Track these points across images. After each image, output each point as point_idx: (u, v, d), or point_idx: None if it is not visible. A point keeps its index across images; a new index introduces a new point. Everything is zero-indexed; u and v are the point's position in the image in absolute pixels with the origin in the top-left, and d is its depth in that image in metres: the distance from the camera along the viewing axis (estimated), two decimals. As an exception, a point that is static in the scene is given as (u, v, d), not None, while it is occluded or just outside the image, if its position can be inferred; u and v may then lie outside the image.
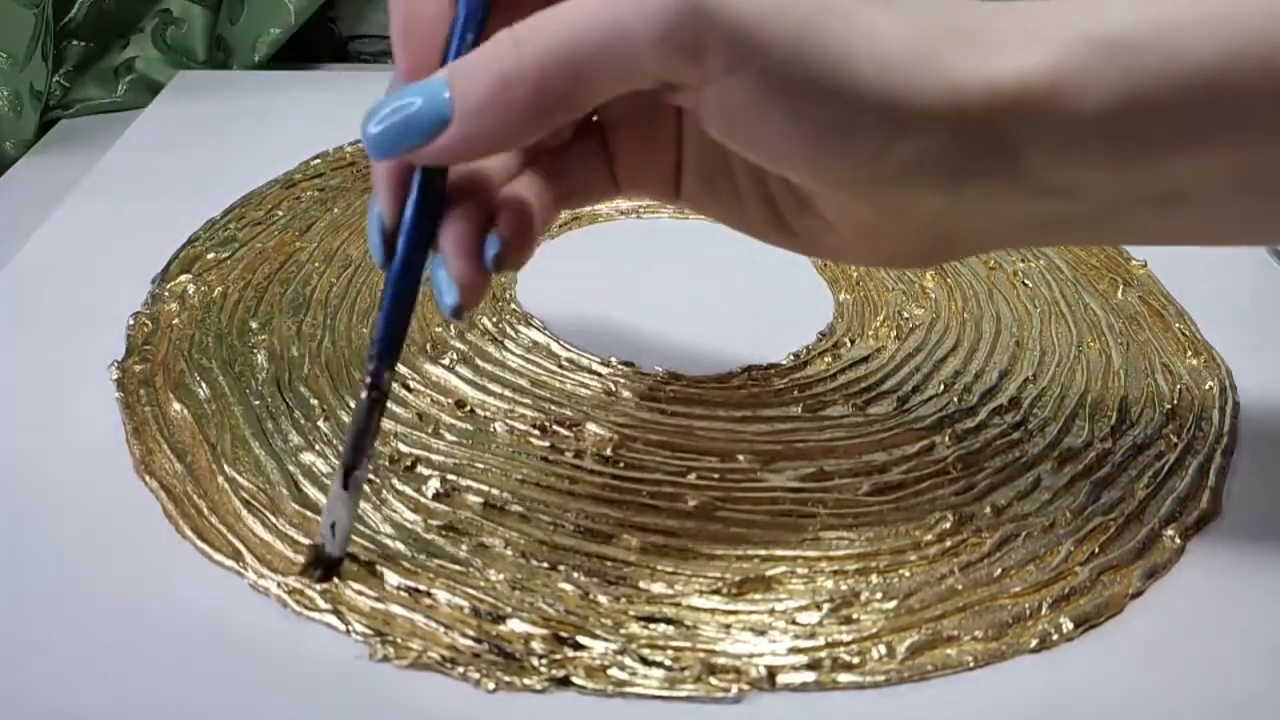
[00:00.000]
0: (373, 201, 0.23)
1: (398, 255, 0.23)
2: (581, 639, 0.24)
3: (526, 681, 0.23)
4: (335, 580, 0.25)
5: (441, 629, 0.24)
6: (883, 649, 0.24)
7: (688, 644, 0.24)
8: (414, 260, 0.23)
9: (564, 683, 0.23)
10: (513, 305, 0.36)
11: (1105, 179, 0.22)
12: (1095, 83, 0.20)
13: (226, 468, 0.28)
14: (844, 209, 0.23)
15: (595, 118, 0.26)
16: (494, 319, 0.35)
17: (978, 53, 0.20)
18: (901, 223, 0.23)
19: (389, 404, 0.30)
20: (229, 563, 0.25)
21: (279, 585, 0.25)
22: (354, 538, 0.26)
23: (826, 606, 0.25)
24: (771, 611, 0.25)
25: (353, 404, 0.30)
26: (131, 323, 0.33)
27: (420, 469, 0.28)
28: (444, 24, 0.22)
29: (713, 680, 0.23)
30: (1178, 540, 0.27)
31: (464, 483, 0.28)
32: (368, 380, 0.23)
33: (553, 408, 0.31)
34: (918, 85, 0.20)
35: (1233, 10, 0.20)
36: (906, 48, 0.20)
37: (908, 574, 0.26)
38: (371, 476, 0.28)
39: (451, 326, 0.34)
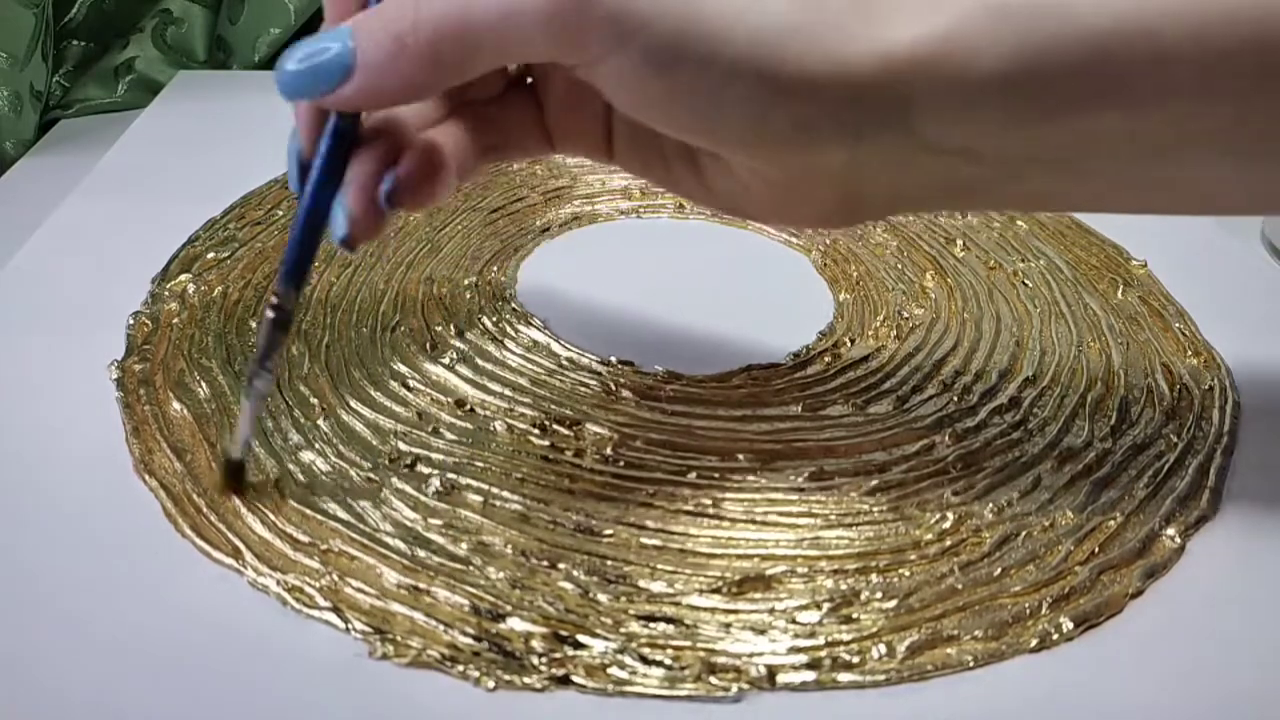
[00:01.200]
0: (292, 134, 0.25)
1: (309, 185, 0.24)
2: (581, 638, 0.24)
3: (526, 680, 0.23)
4: (239, 491, 0.27)
5: (441, 627, 0.24)
6: (883, 648, 0.24)
7: (688, 643, 0.24)
8: (323, 193, 0.24)
9: (564, 681, 0.23)
10: (513, 305, 0.36)
11: (1001, 141, 0.22)
12: (989, 46, 0.21)
13: (226, 467, 0.28)
14: (753, 170, 0.24)
15: (528, 76, 0.28)
16: (494, 319, 0.35)
17: (871, 19, 0.21)
18: (808, 182, 0.24)
19: (390, 404, 0.31)
20: (228, 561, 0.25)
21: (278, 583, 0.25)
22: (346, 530, 0.26)
23: (826, 606, 0.25)
24: (771, 611, 0.25)
25: (354, 403, 0.30)
26: (131, 322, 0.33)
27: (420, 468, 0.28)
28: None
29: (713, 679, 0.23)
30: (1178, 540, 0.27)
31: (464, 481, 0.28)
32: (272, 300, 0.25)
33: (553, 407, 0.31)
34: (798, 53, 0.21)
35: None
36: (785, 17, 0.21)
37: (908, 574, 0.26)
38: (372, 475, 0.28)
39: (452, 326, 0.34)
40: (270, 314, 0.25)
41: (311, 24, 0.58)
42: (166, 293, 0.35)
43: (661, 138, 0.26)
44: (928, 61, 0.21)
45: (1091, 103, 0.21)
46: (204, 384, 0.31)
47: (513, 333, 0.34)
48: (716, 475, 0.29)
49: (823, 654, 0.24)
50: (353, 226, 0.23)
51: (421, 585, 0.25)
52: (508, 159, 0.28)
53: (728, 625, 0.24)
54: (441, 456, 0.29)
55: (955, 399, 0.32)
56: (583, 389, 0.32)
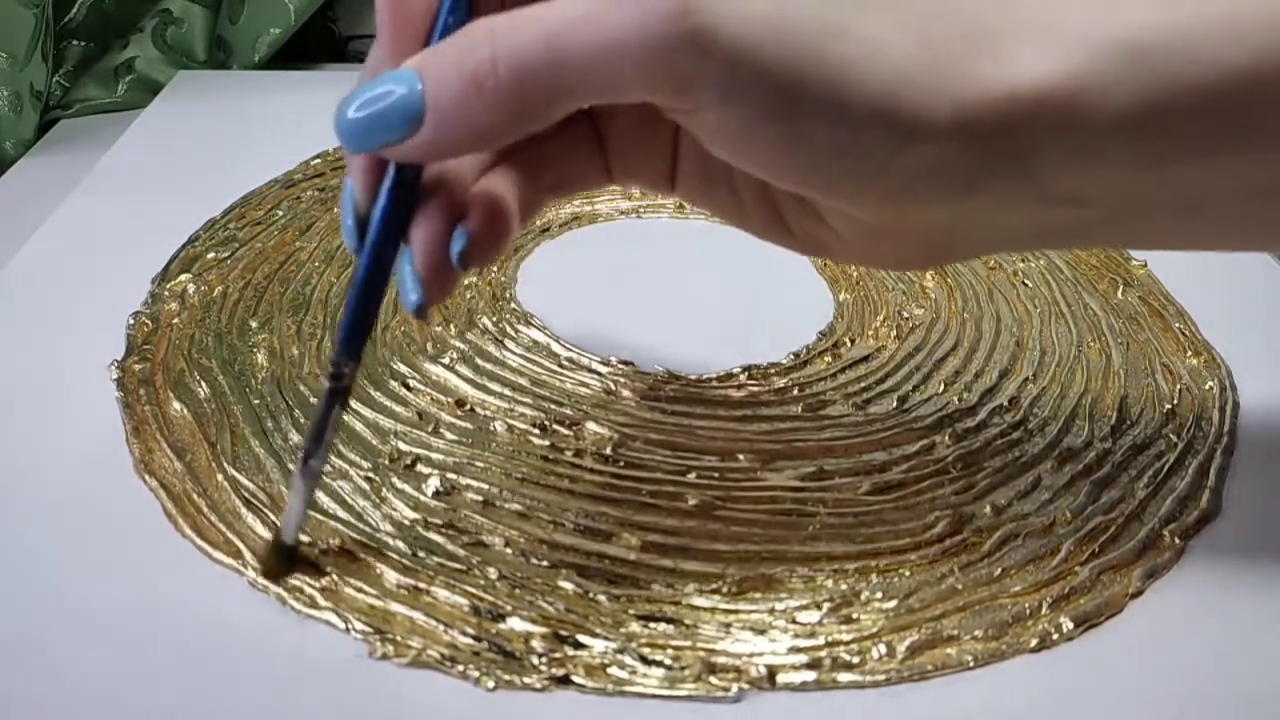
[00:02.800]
0: (347, 185, 0.23)
1: (367, 245, 0.22)
2: (581, 638, 0.24)
3: (526, 680, 0.23)
4: (291, 573, 0.25)
5: (441, 627, 0.24)
6: (883, 649, 0.24)
7: (688, 643, 0.24)
8: (384, 252, 0.22)
9: (564, 681, 0.23)
10: (513, 305, 0.36)
11: (1120, 186, 0.21)
12: (1118, 86, 0.19)
13: (226, 466, 0.28)
14: (846, 216, 0.23)
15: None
16: (494, 319, 0.35)
17: (991, 57, 0.19)
18: (904, 229, 0.23)
19: (390, 404, 0.31)
20: (229, 561, 0.25)
21: (278, 583, 0.25)
22: (346, 530, 0.26)
23: (826, 606, 0.25)
24: (771, 611, 0.25)
25: (354, 403, 0.30)
26: (131, 322, 0.33)
27: (420, 467, 0.28)
28: (431, 8, 0.22)
29: (713, 679, 0.23)
30: (1178, 540, 0.27)
31: (464, 481, 0.28)
32: (329, 370, 0.23)
33: (553, 407, 0.31)
34: (924, 98, 0.19)
35: (1259, 13, 0.19)
36: (909, 60, 0.19)
37: (908, 574, 0.26)
38: (372, 475, 0.28)
39: (452, 326, 0.34)
40: (328, 385, 0.23)
41: (311, 24, 0.58)
42: (166, 293, 0.35)
43: (735, 175, 0.24)
44: (1055, 102, 0.19)
45: (1220, 144, 0.20)
46: (204, 384, 0.31)
47: (513, 333, 0.34)
48: (716, 475, 0.29)
49: (823, 654, 0.24)
50: (427, 292, 0.22)
51: (421, 585, 0.25)
52: (565, 195, 0.26)
53: (728, 625, 0.24)
54: (441, 456, 0.29)
55: (955, 399, 0.32)
56: (583, 389, 0.32)
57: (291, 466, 0.28)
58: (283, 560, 0.25)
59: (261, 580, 0.25)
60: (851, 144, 0.20)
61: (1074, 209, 0.21)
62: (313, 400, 0.30)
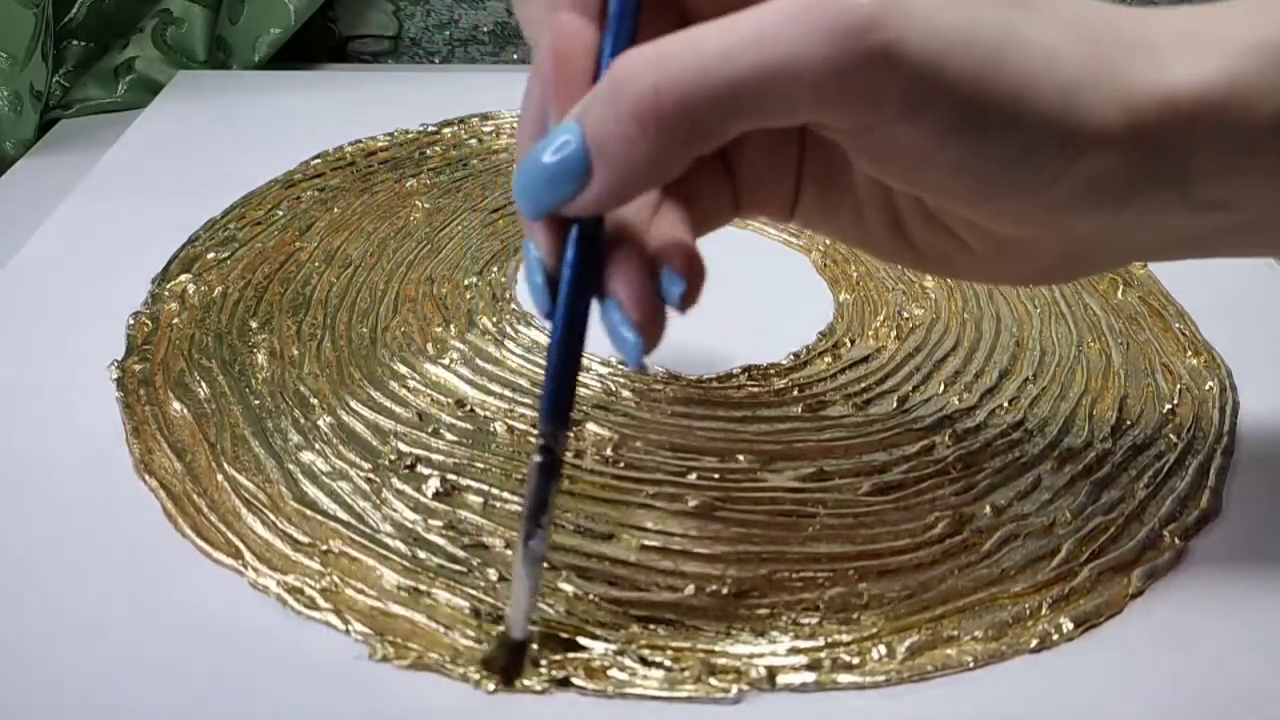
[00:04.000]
0: (528, 247, 0.22)
1: (561, 304, 0.21)
2: (581, 639, 0.24)
3: (526, 682, 0.23)
4: (514, 677, 0.23)
5: (441, 629, 0.24)
6: (883, 649, 0.24)
7: (687, 644, 0.24)
8: (579, 311, 0.21)
9: (564, 683, 0.23)
10: (512, 305, 0.36)
11: (1265, 192, 0.21)
12: (1270, 91, 0.19)
13: (226, 466, 0.28)
14: (984, 231, 0.22)
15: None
16: (494, 319, 0.35)
17: (1149, 64, 0.19)
18: (1046, 243, 0.22)
19: (390, 404, 0.31)
20: (229, 561, 0.25)
21: (278, 584, 0.25)
22: (347, 531, 0.26)
23: (826, 607, 0.25)
24: (771, 611, 0.25)
25: (354, 404, 0.30)
26: (131, 322, 0.33)
27: (420, 468, 0.28)
28: (594, 51, 0.21)
29: (713, 680, 0.23)
30: (1178, 540, 0.27)
31: (464, 482, 0.28)
32: (539, 443, 0.21)
33: (553, 407, 0.31)
34: (1097, 105, 0.19)
35: None
36: (1082, 68, 0.19)
37: (908, 574, 0.26)
38: (372, 476, 0.28)
39: (452, 326, 0.34)
40: (539, 459, 0.21)
41: (311, 24, 0.58)
42: (166, 293, 0.35)
43: (858, 192, 0.24)
44: (1212, 107, 0.19)
45: None
46: (204, 384, 0.31)
47: (513, 333, 0.34)
48: (716, 476, 0.29)
49: (823, 655, 0.24)
50: (648, 340, 0.21)
51: (422, 587, 0.25)
52: (700, 234, 0.25)
53: (728, 626, 0.24)
54: (441, 457, 0.29)
55: (955, 399, 0.32)
56: (583, 390, 0.32)
57: (291, 466, 0.28)
58: (514, 658, 0.23)
59: (497, 685, 0.22)
60: (1026, 156, 0.19)
61: (1220, 214, 0.21)
62: (313, 400, 0.30)
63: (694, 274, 0.22)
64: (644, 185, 0.20)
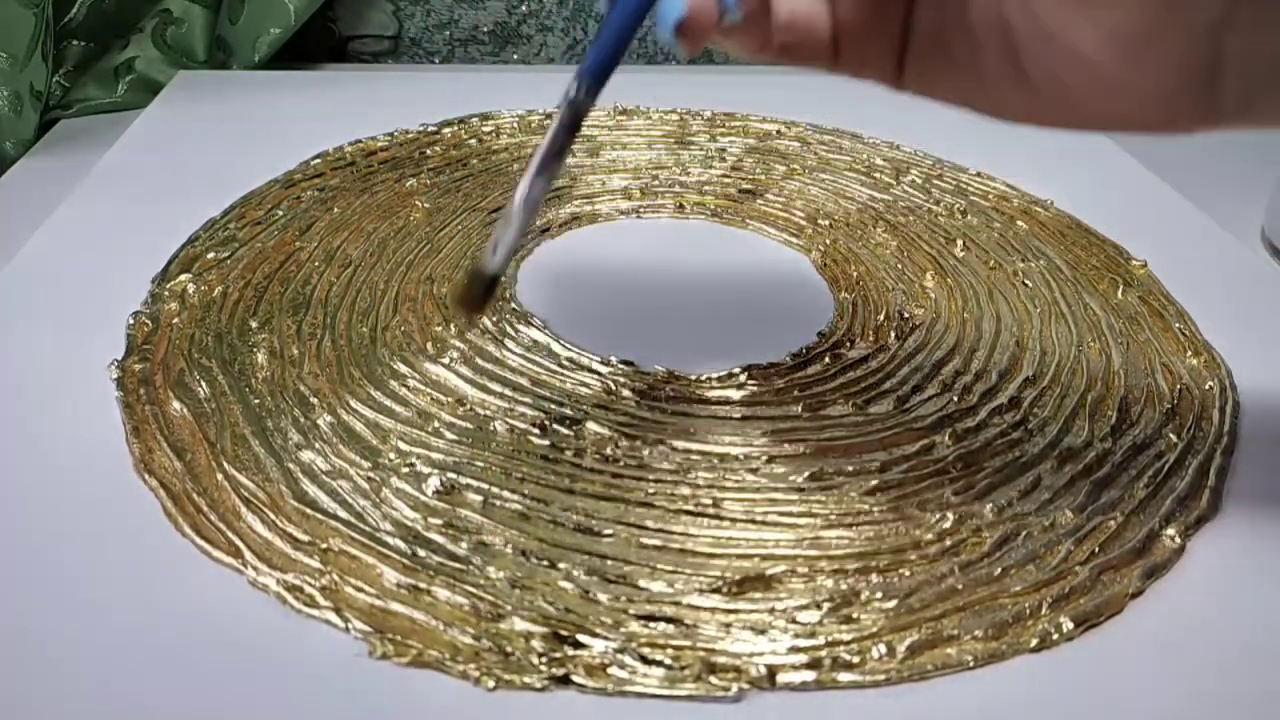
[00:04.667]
0: None
1: None
2: (581, 637, 0.24)
3: (526, 680, 0.23)
4: (479, 309, 0.24)
5: (441, 627, 0.24)
6: (883, 648, 0.24)
7: (688, 643, 0.24)
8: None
9: (564, 681, 0.23)
10: (512, 305, 0.36)
11: None
12: None
13: (226, 466, 0.28)
14: (1101, 23, 0.21)
15: None
16: (494, 318, 0.35)
17: None
18: (1164, 40, 0.20)
19: (390, 404, 0.31)
20: (228, 560, 0.25)
21: (278, 582, 0.25)
22: (346, 529, 0.26)
23: (826, 606, 0.25)
24: (771, 611, 0.25)
25: (354, 403, 0.30)
26: (131, 322, 0.33)
27: (420, 467, 0.28)
28: None
29: (713, 679, 0.23)
30: (1178, 540, 0.27)
31: (464, 481, 0.28)
32: (570, 97, 0.22)
33: (553, 406, 0.31)
34: None
35: None
36: None
37: (908, 573, 0.26)
38: (372, 475, 0.28)
39: (452, 326, 0.34)
40: (565, 113, 0.23)
41: (311, 24, 0.58)
42: (166, 293, 0.35)
43: (971, 14, 0.23)
44: None
45: None
46: (204, 384, 0.31)
47: (513, 332, 0.34)
48: (716, 475, 0.29)
49: (823, 654, 0.24)
50: (691, 9, 0.22)
51: (421, 585, 0.25)
52: (792, 60, 0.25)
53: (728, 625, 0.24)
54: (441, 456, 0.29)
55: (955, 399, 0.32)
56: (583, 389, 0.32)
57: (291, 465, 0.28)
58: (480, 292, 0.24)
59: (463, 321, 0.24)
60: None
61: None
62: (313, 399, 0.30)
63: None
64: None
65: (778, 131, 0.51)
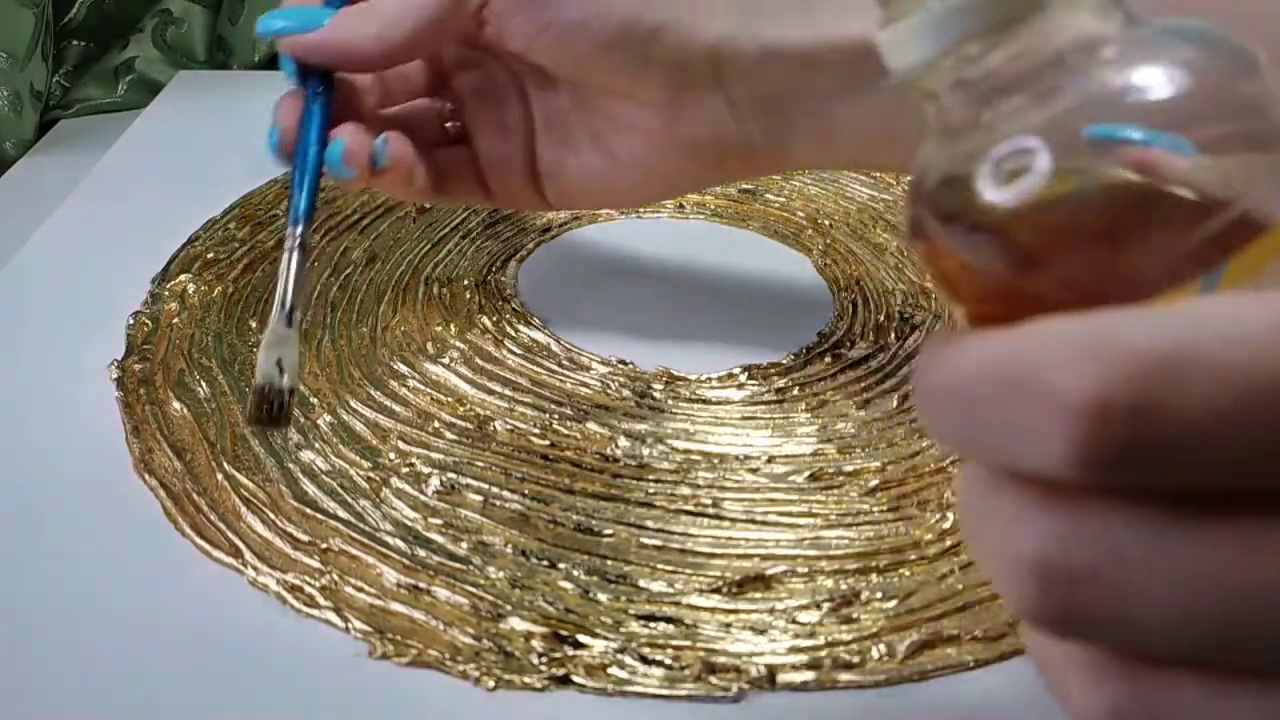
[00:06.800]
0: (274, 123, 0.29)
1: (310, 140, 0.28)
2: (581, 637, 0.24)
3: (526, 680, 0.23)
4: (285, 422, 0.25)
5: (441, 627, 0.24)
6: (883, 648, 0.24)
7: (688, 643, 0.24)
8: (319, 143, 0.28)
9: (564, 681, 0.23)
10: (513, 305, 0.36)
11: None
12: None
13: (226, 465, 0.28)
14: (635, 97, 0.28)
15: (463, 129, 0.32)
16: (494, 319, 0.35)
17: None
18: (686, 97, 0.28)
19: (390, 404, 0.31)
20: (229, 560, 0.25)
21: (278, 582, 0.25)
22: (346, 529, 0.26)
23: (826, 606, 0.25)
24: (771, 611, 0.25)
25: (354, 403, 0.30)
26: (131, 322, 0.33)
27: (420, 467, 0.28)
28: None
29: (713, 679, 0.23)
30: (1178, 540, 0.27)
31: (464, 481, 0.28)
32: (299, 240, 0.26)
33: (553, 407, 0.31)
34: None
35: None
36: None
37: (908, 574, 0.26)
38: (372, 475, 0.28)
39: (452, 326, 0.34)
40: (300, 253, 0.26)
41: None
42: (166, 293, 0.35)
43: (582, 155, 0.30)
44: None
45: None
46: (204, 384, 0.31)
47: (513, 333, 0.34)
48: (716, 475, 0.29)
49: (823, 654, 0.24)
50: (348, 150, 0.28)
51: (421, 585, 0.25)
52: (449, 197, 0.32)
53: (728, 625, 0.24)
54: (441, 456, 0.29)
55: (955, 399, 0.32)
56: (583, 389, 0.32)
57: (291, 465, 0.28)
58: (275, 409, 0.25)
59: (269, 432, 0.28)
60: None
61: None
62: (313, 399, 0.30)
63: (399, 142, 0.29)
64: (366, 49, 0.28)
65: (778, 132, 0.51)
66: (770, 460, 0.29)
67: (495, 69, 0.31)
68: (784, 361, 0.34)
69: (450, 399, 0.31)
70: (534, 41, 0.28)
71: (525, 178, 0.32)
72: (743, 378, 0.33)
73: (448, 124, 0.32)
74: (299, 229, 0.27)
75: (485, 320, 0.35)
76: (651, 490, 0.28)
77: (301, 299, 0.26)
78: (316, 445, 0.29)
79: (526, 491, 0.28)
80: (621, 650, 0.23)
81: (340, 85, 0.29)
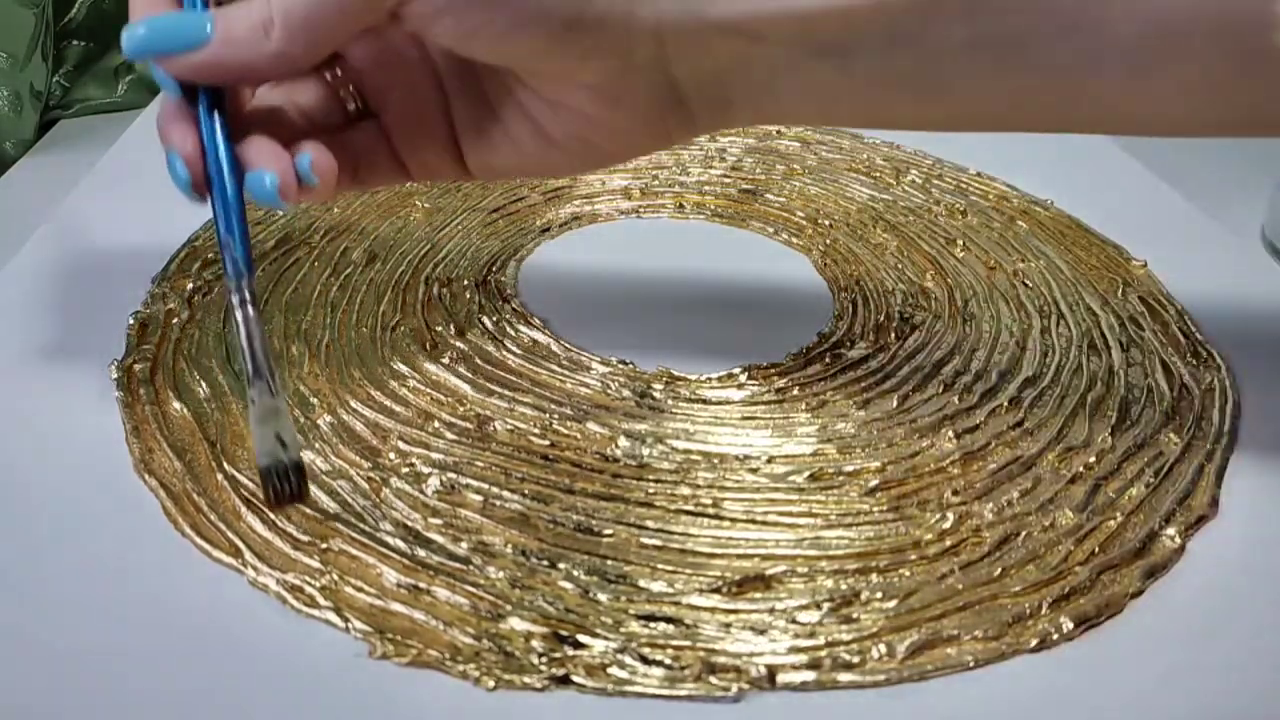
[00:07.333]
0: (170, 150, 0.27)
1: (223, 178, 0.25)
2: (581, 637, 0.24)
3: (526, 680, 0.23)
4: (306, 495, 0.25)
5: (441, 627, 0.24)
6: (883, 648, 0.24)
7: (688, 643, 0.24)
8: (234, 172, 0.26)
9: (564, 681, 0.23)
10: (512, 305, 0.36)
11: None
12: None
13: (226, 466, 0.28)
14: (582, 85, 0.27)
15: (367, 104, 0.29)
16: (494, 318, 0.35)
17: None
18: (630, 84, 0.26)
19: (390, 404, 0.31)
20: (228, 560, 0.25)
21: (278, 582, 0.25)
22: (347, 529, 0.26)
23: (826, 606, 0.25)
24: (771, 611, 0.25)
25: (354, 403, 0.30)
26: (131, 322, 0.33)
27: (420, 467, 0.28)
28: None
29: (713, 679, 0.23)
30: (1178, 540, 0.27)
31: (464, 481, 0.28)
32: (248, 295, 0.25)
33: (553, 406, 0.31)
34: None
35: None
36: None
37: (908, 574, 0.26)
38: (372, 475, 0.28)
39: (452, 326, 0.34)
40: (252, 311, 0.25)
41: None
42: (166, 293, 0.35)
43: (499, 110, 0.28)
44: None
45: None
46: (204, 384, 0.31)
47: (513, 333, 0.34)
48: (716, 475, 0.29)
49: (823, 654, 0.24)
50: (283, 183, 0.25)
51: (421, 585, 0.25)
52: (368, 184, 0.30)
53: (728, 625, 0.24)
54: (441, 456, 0.29)
55: (956, 399, 0.32)
56: (583, 389, 0.32)
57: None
58: (295, 484, 0.24)
59: (284, 509, 0.26)
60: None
61: (750, 44, 0.26)
62: (313, 400, 0.30)
63: (321, 154, 0.26)
64: (250, 72, 0.25)
65: (777, 131, 0.51)
66: (770, 460, 0.29)
67: (394, 34, 0.28)
68: (784, 361, 0.34)
69: (450, 399, 0.31)
70: (461, 44, 0.26)
71: (444, 151, 0.29)
72: (743, 378, 0.33)
73: (347, 102, 0.29)
74: (243, 283, 0.25)
75: (485, 320, 0.35)
76: (651, 490, 0.28)
77: (270, 358, 0.24)
78: (316, 445, 0.29)
79: (526, 491, 0.28)
80: (621, 650, 0.23)
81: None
